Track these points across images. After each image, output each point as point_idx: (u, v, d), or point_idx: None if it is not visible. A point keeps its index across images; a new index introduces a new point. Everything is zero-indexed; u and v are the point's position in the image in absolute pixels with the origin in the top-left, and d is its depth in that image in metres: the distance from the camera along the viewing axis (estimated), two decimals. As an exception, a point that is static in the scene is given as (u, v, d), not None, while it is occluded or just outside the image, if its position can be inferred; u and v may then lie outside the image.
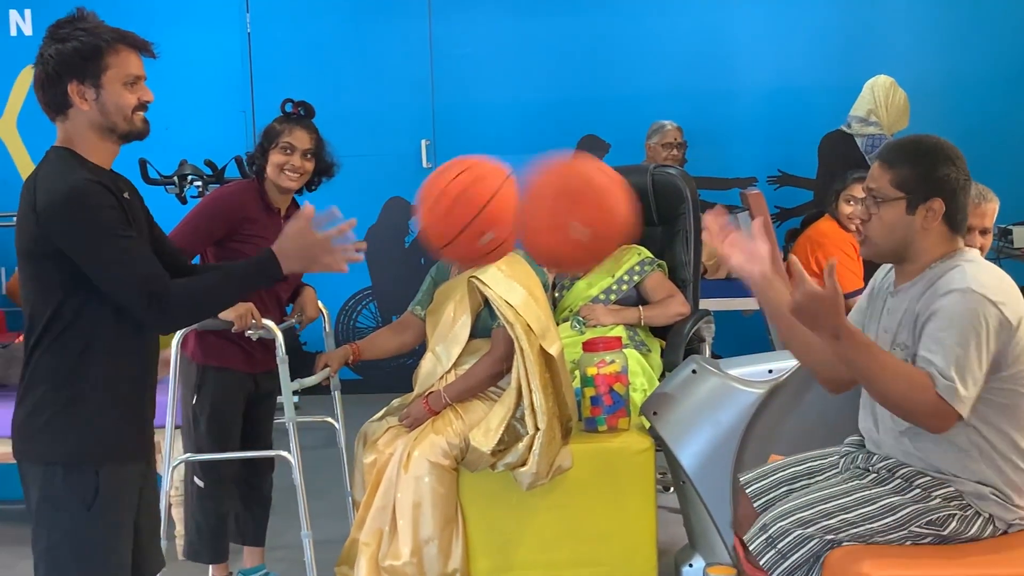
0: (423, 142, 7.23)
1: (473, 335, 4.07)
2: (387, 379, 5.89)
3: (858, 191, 5.04)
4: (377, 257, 7.35)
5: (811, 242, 5.26)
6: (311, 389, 3.95)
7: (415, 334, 4.33)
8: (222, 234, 3.88)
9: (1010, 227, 6.43)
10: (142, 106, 2.73)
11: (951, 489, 2.81)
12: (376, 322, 7.29)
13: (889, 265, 3.04)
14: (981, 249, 3.77)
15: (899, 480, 2.86)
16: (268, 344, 3.88)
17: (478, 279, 3.96)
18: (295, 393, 3.88)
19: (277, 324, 3.87)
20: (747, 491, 3.07)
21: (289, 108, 4.02)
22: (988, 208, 3.82)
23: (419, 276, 4.49)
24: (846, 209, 5.11)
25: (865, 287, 3.22)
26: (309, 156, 3.98)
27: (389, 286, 7.29)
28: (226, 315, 3.73)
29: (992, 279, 2.78)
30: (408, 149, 7.23)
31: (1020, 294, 2.81)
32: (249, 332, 3.80)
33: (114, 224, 2.63)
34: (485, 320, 4.07)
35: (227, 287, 2.82)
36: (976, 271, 2.79)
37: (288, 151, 3.93)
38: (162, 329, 2.85)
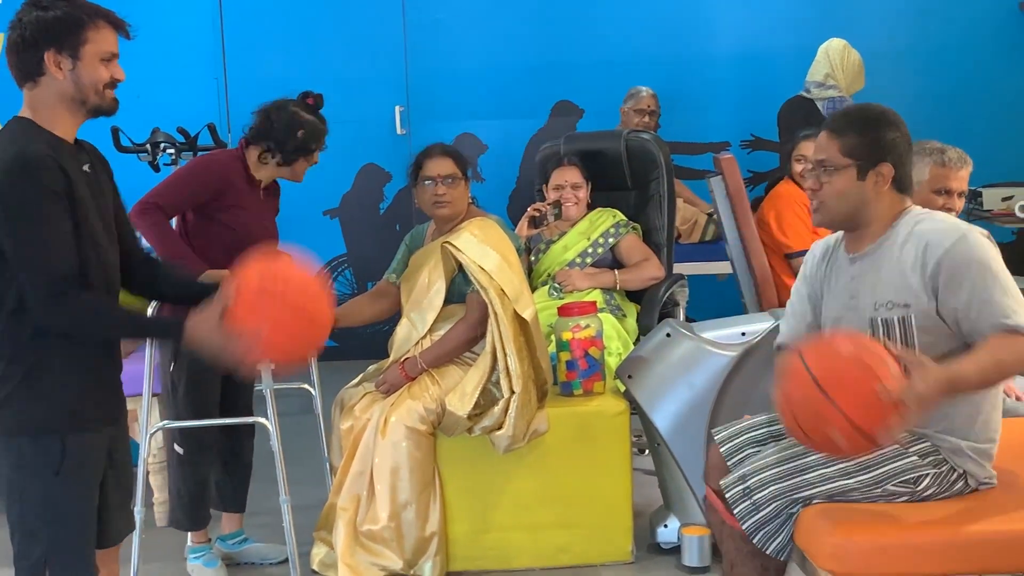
0: (397, 108, 7.20)
1: (448, 301, 4.09)
2: (364, 346, 5.91)
3: (807, 149, 5.04)
4: (352, 224, 7.35)
5: (768, 203, 5.29)
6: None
7: (391, 301, 4.33)
8: (205, 199, 3.88)
9: (980, 189, 6.48)
10: (113, 84, 2.72)
11: (927, 444, 2.85)
12: (352, 289, 7.28)
13: (834, 236, 3.09)
14: (955, 211, 3.80)
15: None
16: None
17: (451, 245, 3.98)
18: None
19: None
20: (720, 447, 3.10)
21: (303, 100, 4.04)
22: (965, 172, 3.86)
23: (395, 243, 4.50)
24: (796, 167, 5.12)
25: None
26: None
27: (364, 253, 7.28)
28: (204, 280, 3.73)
29: (954, 218, 2.93)
30: (382, 115, 7.21)
31: None
32: None
33: (48, 206, 2.59)
34: (459, 285, 4.08)
35: (125, 328, 2.90)
36: (942, 218, 2.90)
37: (316, 153, 4.02)
38: (49, 325, 2.67)
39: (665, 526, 4.08)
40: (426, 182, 4.13)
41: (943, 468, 2.84)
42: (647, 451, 4.43)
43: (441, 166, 4.13)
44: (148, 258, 3.11)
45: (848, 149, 2.92)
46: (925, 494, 2.83)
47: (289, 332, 2.73)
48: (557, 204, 4.81)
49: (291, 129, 3.93)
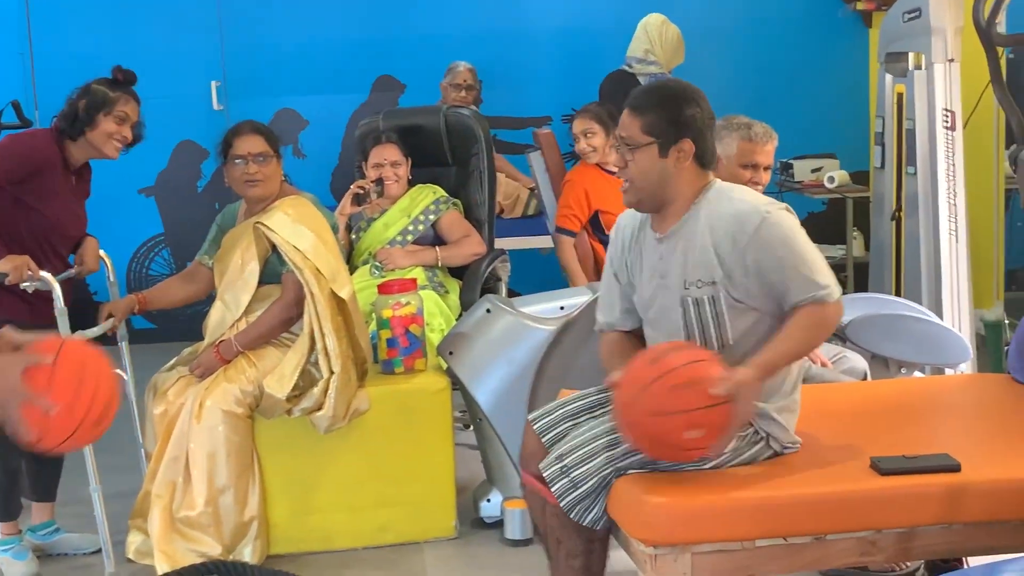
0: (213, 83, 7.04)
1: (262, 281, 4.03)
2: (182, 328, 5.75)
3: (577, 126, 5.15)
4: (169, 203, 7.17)
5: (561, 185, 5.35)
6: (101, 340, 3.83)
7: (204, 283, 4.25)
8: (19, 177, 3.76)
9: (791, 161, 6.69)
10: None
11: None
12: (170, 269, 7.08)
13: (639, 218, 3.11)
14: (761, 185, 3.90)
15: None
16: (50, 296, 3.76)
17: (264, 225, 3.93)
18: None
19: (56, 275, 3.75)
20: (534, 427, 3.11)
21: (112, 76, 3.92)
22: (771, 146, 3.94)
23: (213, 221, 4.40)
24: (578, 146, 5.19)
25: None
26: (135, 127, 3.95)
27: (182, 232, 7.07)
28: (2, 266, 3.62)
29: (756, 194, 3.05)
30: (198, 91, 7.04)
31: None
32: (25, 284, 3.67)
33: None
34: (274, 266, 4.02)
35: None
36: (743, 193, 3.00)
37: (121, 121, 3.87)
38: None
39: (488, 500, 4.11)
40: (236, 160, 4.05)
41: (747, 431, 2.91)
42: (471, 427, 4.46)
43: (251, 144, 4.04)
44: None
45: (648, 127, 2.95)
46: (731, 459, 2.89)
47: (76, 422, 2.51)
48: (380, 182, 4.78)
49: (76, 100, 3.84)
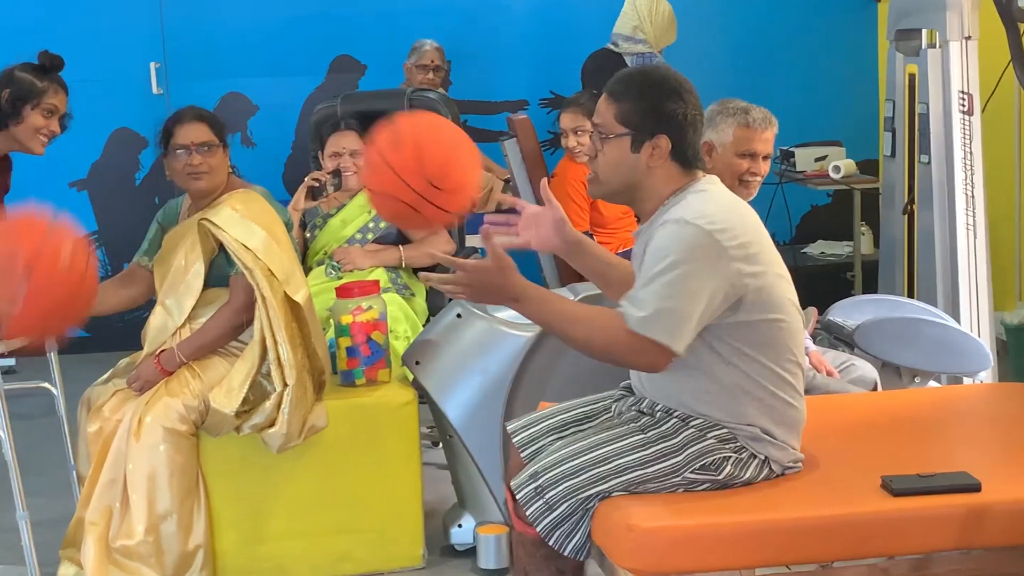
0: (152, 65, 7.01)
1: (208, 284, 3.99)
2: (118, 336, 5.69)
3: (565, 121, 5.16)
4: (103, 197, 7.13)
5: (553, 184, 5.30)
6: (22, 351, 3.82)
7: (143, 287, 4.19)
8: None
9: (792, 149, 6.71)
10: None
11: (725, 431, 2.89)
12: (106, 271, 7.02)
13: None
14: (760, 176, 3.89)
15: (675, 421, 2.92)
16: None
17: (210, 222, 3.90)
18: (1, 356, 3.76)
19: None
20: (513, 440, 3.11)
21: (39, 61, 3.91)
22: (770, 133, 3.91)
23: (153, 217, 4.35)
24: (565, 142, 5.20)
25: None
26: (63, 119, 3.94)
27: (119, 229, 7.04)
28: None
29: (714, 207, 2.86)
30: (135, 73, 7.00)
31: (755, 222, 2.92)
32: None
33: None
34: (221, 267, 3.98)
35: None
36: (699, 201, 2.88)
37: (50, 114, 3.89)
38: None
39: (459, 526, 4.09)
40: (178, 151, 4.00)
41: (743, 454, 2.89)
42: (440, 444, 4.42)
43: (195, 132, 4.00)
44: None
45: (623, 116, 2.92)
46: (728, 481, 2.88)
47: (46, 308, 2.66)
48: (337, 173, 4.76)
49: None
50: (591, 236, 4.91)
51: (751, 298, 2.84)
